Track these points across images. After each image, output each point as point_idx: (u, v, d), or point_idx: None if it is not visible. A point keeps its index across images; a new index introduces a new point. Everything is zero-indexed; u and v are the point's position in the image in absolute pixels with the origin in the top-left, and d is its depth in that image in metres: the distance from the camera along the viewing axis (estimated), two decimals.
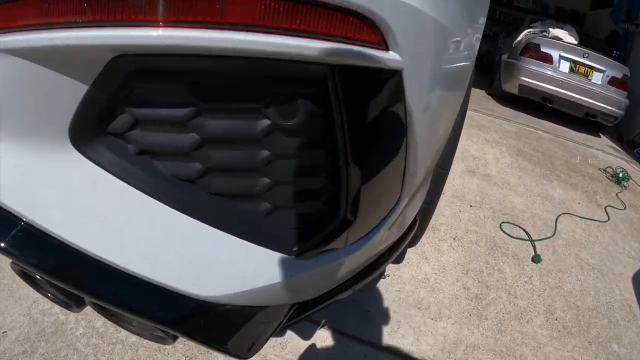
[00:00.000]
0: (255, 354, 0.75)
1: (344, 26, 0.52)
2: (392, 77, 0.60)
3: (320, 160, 0.66)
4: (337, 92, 0.57)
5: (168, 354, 1.53)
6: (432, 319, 1.90)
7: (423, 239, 2.20)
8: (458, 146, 1.40)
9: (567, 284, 2.35)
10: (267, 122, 0.60)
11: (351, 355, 1.65)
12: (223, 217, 0.65)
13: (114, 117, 0.59)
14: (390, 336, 1.76)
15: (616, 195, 3.80)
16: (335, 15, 0.52)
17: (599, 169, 4.40)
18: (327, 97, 0.58)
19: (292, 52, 0.52)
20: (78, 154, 0.59)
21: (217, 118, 0.59)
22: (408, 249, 2.26)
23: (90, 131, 0.59)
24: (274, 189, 0.67)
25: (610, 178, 4.21)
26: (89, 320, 1.57)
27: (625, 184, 4.13)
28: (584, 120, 5.85)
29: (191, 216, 0.63)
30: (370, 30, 0.54)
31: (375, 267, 0.96)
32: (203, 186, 0.65)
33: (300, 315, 0.87)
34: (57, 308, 1.58)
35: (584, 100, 5.50)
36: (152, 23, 0.47)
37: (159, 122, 0.59)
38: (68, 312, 1.52)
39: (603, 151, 5.27)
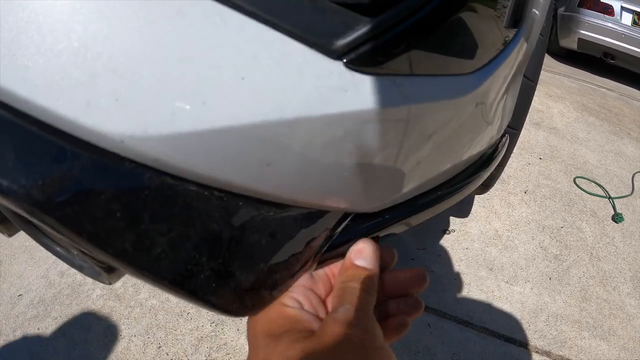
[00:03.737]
0: (256, 311, 0.36)
1: None
2: None
3: None
4: None
5: (191, 318, 1.31)
6: (506, 282, 1.63)
7: (491, 191, 1.90)
8: None
9: None
10: None
11: (411, 325, 1.38)
12: None
13: None
14: (459, 302, 1.50)
15: None
16: None
17: None
18: None
19: None
20: None
21: None
22: (474, 202, 1.96)
23: None
24: None
25: None
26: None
27: None
28: None
29: None
30: None
31: (468, 178, 0.63)
32: None
33: (343, 245, 0.42)
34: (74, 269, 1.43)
35: None
36: None
37: None
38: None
39: None
